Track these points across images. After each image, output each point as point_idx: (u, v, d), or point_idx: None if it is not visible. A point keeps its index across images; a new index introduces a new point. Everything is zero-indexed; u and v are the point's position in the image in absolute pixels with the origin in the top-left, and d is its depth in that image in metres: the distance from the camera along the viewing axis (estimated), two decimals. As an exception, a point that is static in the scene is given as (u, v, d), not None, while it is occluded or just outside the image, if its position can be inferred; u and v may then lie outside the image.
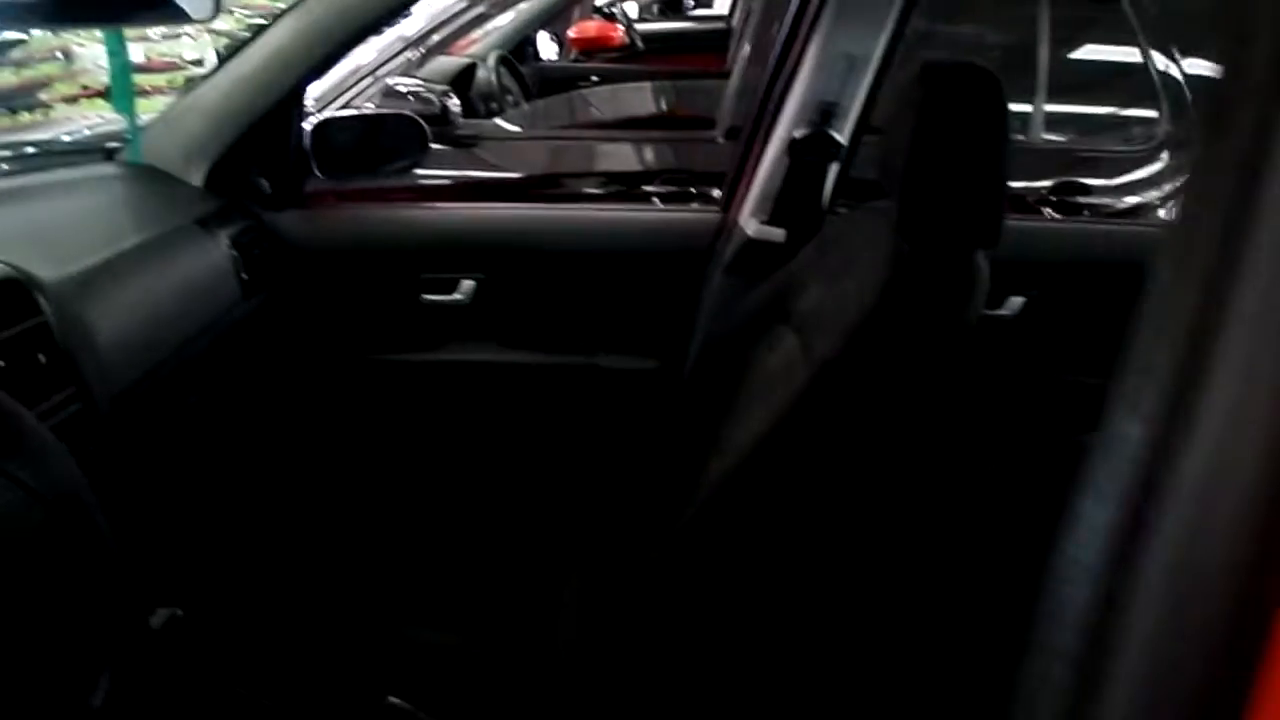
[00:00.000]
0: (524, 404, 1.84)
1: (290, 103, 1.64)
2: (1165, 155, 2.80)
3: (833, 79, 1.63)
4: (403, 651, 1.26)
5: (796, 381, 1.20)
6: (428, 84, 2.78)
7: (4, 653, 0.75)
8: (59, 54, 5.27)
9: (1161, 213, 2.72)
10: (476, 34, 3.52)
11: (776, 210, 1.70)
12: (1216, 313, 0.40)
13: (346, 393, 1.89)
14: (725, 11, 5.44)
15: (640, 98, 3.46)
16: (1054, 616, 0.44)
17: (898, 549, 1.04)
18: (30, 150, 2.46)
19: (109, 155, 1.68)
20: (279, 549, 1.72)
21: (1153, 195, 2.75)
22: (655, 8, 6.45)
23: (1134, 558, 0.41)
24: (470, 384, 1.84)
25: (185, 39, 5.24)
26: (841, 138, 1.64)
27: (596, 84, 4.07)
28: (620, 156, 2.77)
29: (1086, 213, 2.58)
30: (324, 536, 1.50)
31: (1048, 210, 2.51)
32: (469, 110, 2.98)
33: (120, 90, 1.40)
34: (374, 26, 1.62)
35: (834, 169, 1.67)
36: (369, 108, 2.55)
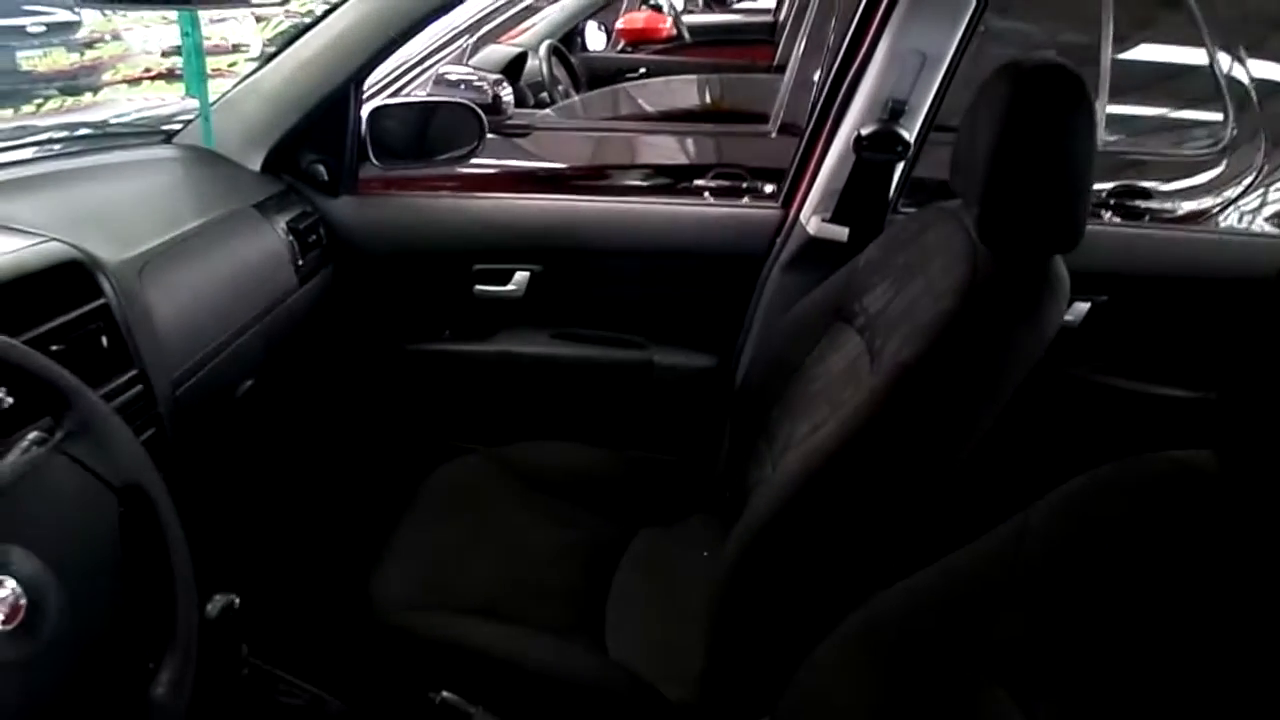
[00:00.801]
0: (576, 399, 1.83)
1: (349, 89, 1.63)
2: (1228, 159, 2.74)
3: (904, 76, 1.59)
4: (456, 646, 1.24)
5: (865, 383, 1.17)
6: (480, 72, 2.76)
7: (70, 641, 0.74)
8: (108, 37, 5.34)
9: (1223, 218, 2.66)
10: (526, 23, 3.51)
11: (840, 208, 1.67)
12: None
13: (397, 382, 1.89)
14: (771, 4, 5.39)
15: (692, 91, 3.43)
16: None
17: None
18: (89, 131, 2.49)
19: (168, 138, 1.68)
20: (328, 538, 1.71)
21: (1214, 200, 2.69)
22: (701, 0, 6.42)
23: None
24: (522, 377, 1.82)
25: (231, 22, 5.28)
26: (909, 136, 1.60)
27: (644, 75, 4.05)
28: (673, 150, 2.74)
29: (1147, 217, 2.52)
30: (371, 526, 1.49)
31: (1107, 214, 2.45)
32: (519, 99, 2.96)
33: (193, 73, 1.39)
34: (434, 15, 1.60)
35: (900, 168, 1.63)
36: (420, 95, 2.54)
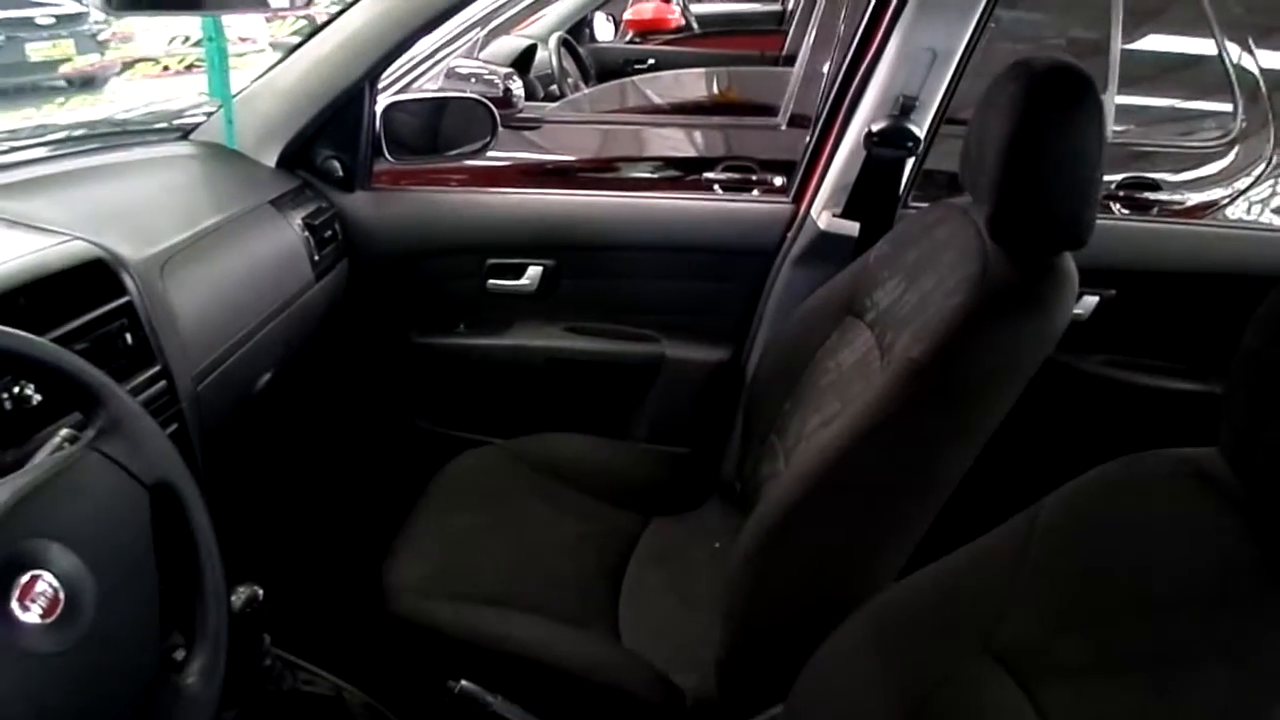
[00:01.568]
0: (589, 392, 1.85)
1: (364, 86, 1.65)
2: (1237, 150, 2.74)
3: (914, 72, 1.60)
4: (471, 635, 1.27)
5: (875, 378, 1.19)
6: (490, 66, 2.78)
7: (105, 633, 0.76)
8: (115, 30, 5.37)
9: (1232, 210, 2.66)
10: (535, 15, 3.51)
11: (850, 203, 1.68)
12: None
13: (412, 375, 1.91)
14: (779, -7, 5.39)
15: (701, 84, 3.44)
16: None
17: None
18: (107, 129, 2.51)
19: (184, 134, 1.70)
20: (345, 529, 1.74)
21: (1224, 192, 2.70)
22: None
23: None
24: (535, 370, 1.84)
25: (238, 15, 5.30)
26: (920, 132, 1.62)
27: (653, 66, 4.05)
28: (683, 142, 2.75)
29: (1156, 209, 2.53)
30: (387, 517, 1.51)
31: (1116, 206, 2.46)
32: (528, 92, 2.97)
33: (217, 77, 1.41)
34: (448, 13, 1.62)
35: (911, 163, 1.64)
36: (432, 89, 2.55)
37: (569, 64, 3.53)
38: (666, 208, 1.83)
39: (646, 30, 4.72)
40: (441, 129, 1.80)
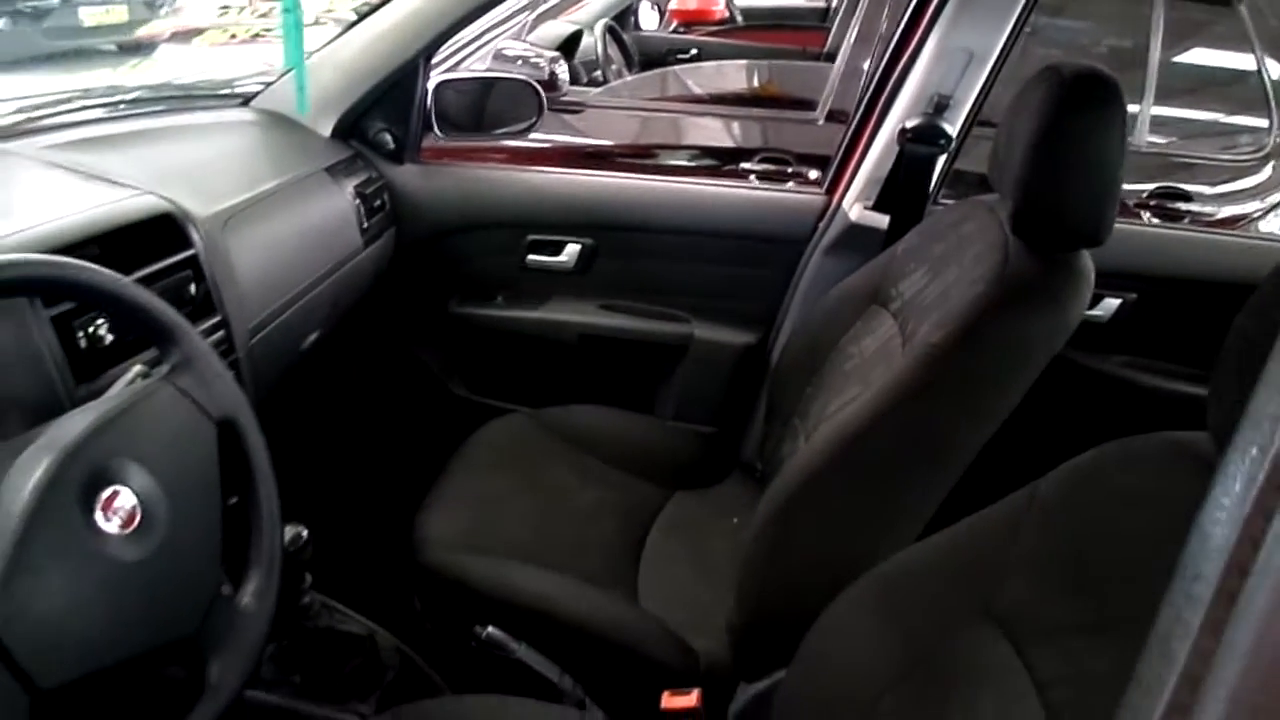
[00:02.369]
0: (619, 368, 1.91)
1: (419, 63, 1.71)
2: (1272, 165, 2.76)
3: (950, 72, 1.65)
4: (497, 587, 1.33)
5: (896, 362, 1.24)
6: (537, 49, 2.84)
7: (174, 550, 0.83)
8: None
9: (1263, 224, 2.68)
10: (582, 1, 3.57)
11: (882, 197, 1.73)
12: None
13: (450, 343, 1.98)
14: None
15: (742, 76, 3.49)
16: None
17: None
18: (172, 93, 2.59)
19: (245, 101, 1.77)
20: (380, 486, 1.81)
21: (1257, 205, 2.71)
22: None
23: None
24: (569, 344, 1.91)
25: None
26: (952, 130, 1.66)
27: (695, 56, 4.10)
28: (721, 133, 2.80)
29: (1187, 219, 2.55)
30: (420, 476, 1.58)
31: (1147, 215, 2.49)
32: (573, 77, 3.03)
33: (292, 47, 1.48)
34: (503, -4, 1.68)
35: (942, 160, 1.69)
36: (481, 70, 2.62)
37: (613, 51, 3.58)
38: (703, 194, 1.88)
39: (691, 21, 4.77)
40: (489, 108, 1.87)
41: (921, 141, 1.66)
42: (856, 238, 1.73)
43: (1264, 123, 2.74)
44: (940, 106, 1.66)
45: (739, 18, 4.96)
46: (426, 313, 1.95)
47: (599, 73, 3.36)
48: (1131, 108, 2.74)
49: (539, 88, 1.86)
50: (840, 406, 1.36)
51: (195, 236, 1.22)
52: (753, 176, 2.19)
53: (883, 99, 1.75)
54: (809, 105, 2.75)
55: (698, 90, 3.27)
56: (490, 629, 1.23)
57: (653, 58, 3.98)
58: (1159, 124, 2.84)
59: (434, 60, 1.79)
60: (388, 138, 1.81)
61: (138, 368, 0.98)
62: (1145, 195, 2.59)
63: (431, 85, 1.78)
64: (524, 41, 2.94)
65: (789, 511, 1.18)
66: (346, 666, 1.26)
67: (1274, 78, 2.76)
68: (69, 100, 1.60)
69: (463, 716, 1.08)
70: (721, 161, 2.60)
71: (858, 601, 0.99)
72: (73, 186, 1.18)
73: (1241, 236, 2.33)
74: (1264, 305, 0.70)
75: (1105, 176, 1.11)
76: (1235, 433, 0.39)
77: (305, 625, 1.25)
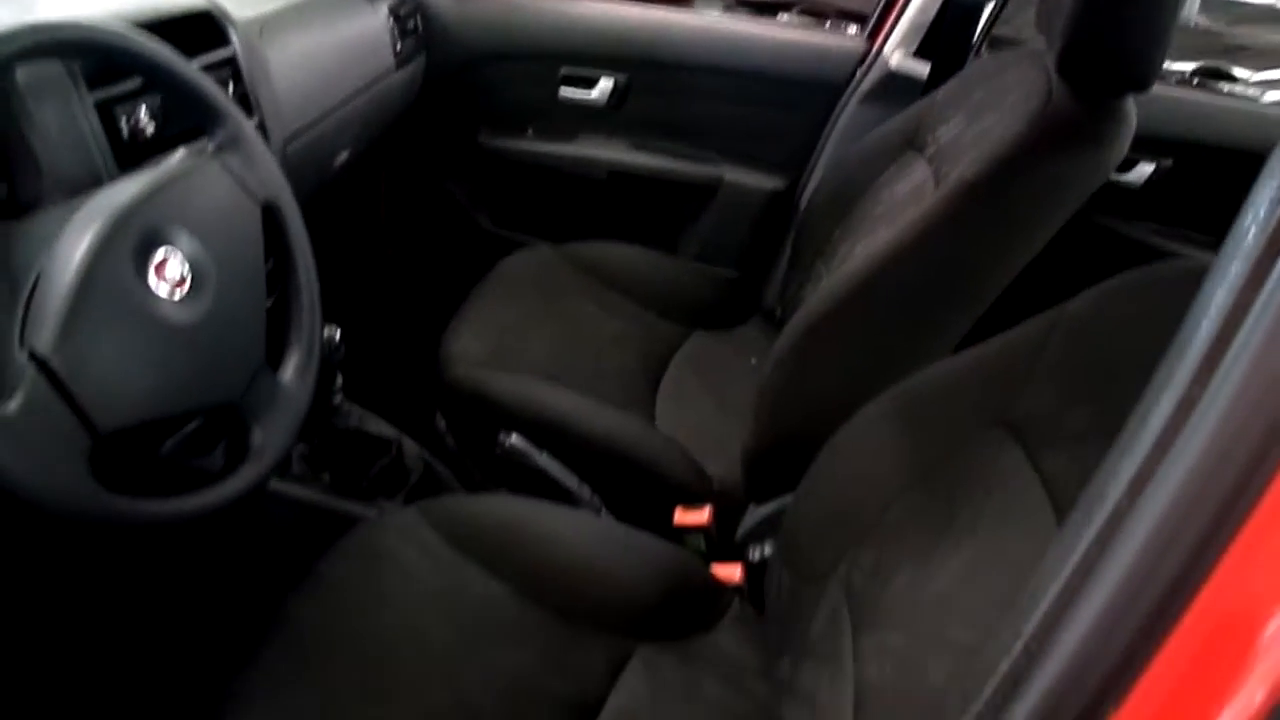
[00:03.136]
0: (646, 207, 1.91)
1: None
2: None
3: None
4: (521, 403, 1.37)
5: (927, 202, 1.25)
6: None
7: (221, 319, 0.86)
8: None
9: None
10: None
11: (924, 44, 1.70)
12: None
13: (477, 173, 1.97)
14: None
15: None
16: None
17: None
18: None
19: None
20: (406, 307, 1.84)
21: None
22: None
23: None
24: (597, 180, 1.90)
25: None
26: (1003, -25, 1.62)
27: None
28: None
29: (1229, 100, 2.49)
30: (445, 302, 1.61)
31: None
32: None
33: None
34: None
35: (990, 7, 1.65)
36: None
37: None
38: (742, 34, 1.85)
39: None
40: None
41: (970, -14, 1.62)
42: (895, 86, 1.70)
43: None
44: (992, -50, 1.62)
45: None
46: (455, 144, 1.94)
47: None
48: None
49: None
50: (867, 249, 1.37)
51: (234, 37, 1.21)
52: (791, 18, 2.14)
53: (933, -59, 1.70)
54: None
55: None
56: (514, 437, 1.28)
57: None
58: (1210, 5, 2.75)
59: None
60: None
61: (181, 152, 0.99)
62: (1188, 73, 2.52)
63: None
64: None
65: (811, 338, 1.20)
66: (373, 467, 1.31)
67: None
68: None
69: (485, 512, 1.13)
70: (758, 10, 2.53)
71: (874, 416, 1.02)
72: None
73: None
74: None
75: (1157, 17, 1.09)
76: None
77: (335, 425, 1.29)
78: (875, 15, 1.81)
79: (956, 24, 1.65)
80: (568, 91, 1.88)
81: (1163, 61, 1.11)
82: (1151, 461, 0.47)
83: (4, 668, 1.19)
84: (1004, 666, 0.49)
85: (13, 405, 0.70)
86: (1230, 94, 2.52)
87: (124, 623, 1.29)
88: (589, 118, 1.90)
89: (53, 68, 0.88)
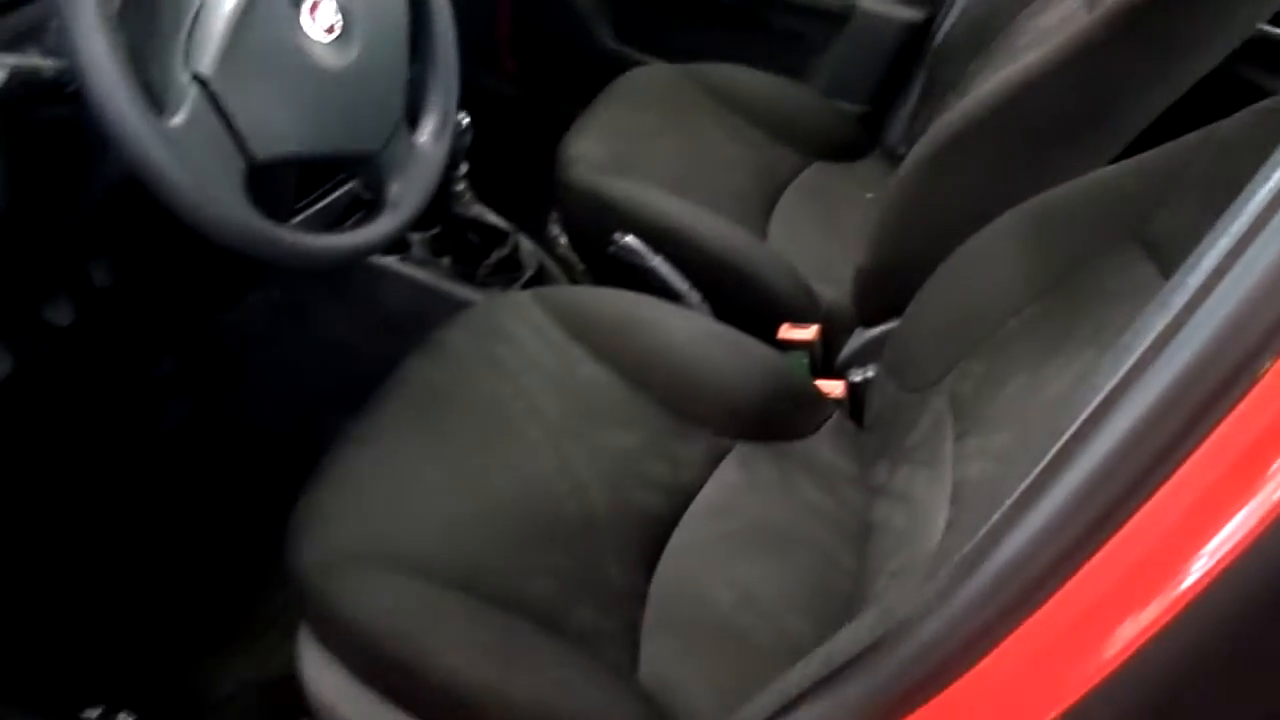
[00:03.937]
0: (771, 30, 1.85)
1: None
2: None
3: None
4: (638, 208, 1.38)
5: (1080, 23, 1.19)
6: None
7: (367, 69, 0.88)
8: None
9: None
10: None
11: None
12: None
13: None
14: None
15: None
16: None
17: None
18: None
19: None
20: (524, 110, 1.83)
21: None
22: None
23: None
24: (724, 3, 1.84)
25: None
26: None
27: None
28: None
29: None
30: (565, 109, 1.60)
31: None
32: None
33: None
34: None
35: None
36: None
37: None
38: None
39: None
40: None
41: None
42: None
43: None
44: None
45: None
46: None
47: None
48: None
49: None
50: (1008, 74, 1.32)
51: None
52: None
53: None
54: None
55: None
56: (629, 237, 1.29)
57: None
58: None
59: None
60: None
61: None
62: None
63: None
64: None
65: (938, 159, 1.17)
66: (490, 256, 1.34)
67: None
68: None
69: (597, 301, 1.15)
70: None
71: (1001, 230, 1.00)
72: None
73: None
74: None
75: None
76: None
77: (456, 212, 1.32)
78: None
79: None
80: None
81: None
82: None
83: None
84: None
85: (177, 119, 0.73)
86: None
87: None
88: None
89: None
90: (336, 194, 1.32)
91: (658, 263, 1.29)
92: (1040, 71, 1.12)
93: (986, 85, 1.21)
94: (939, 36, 1.70)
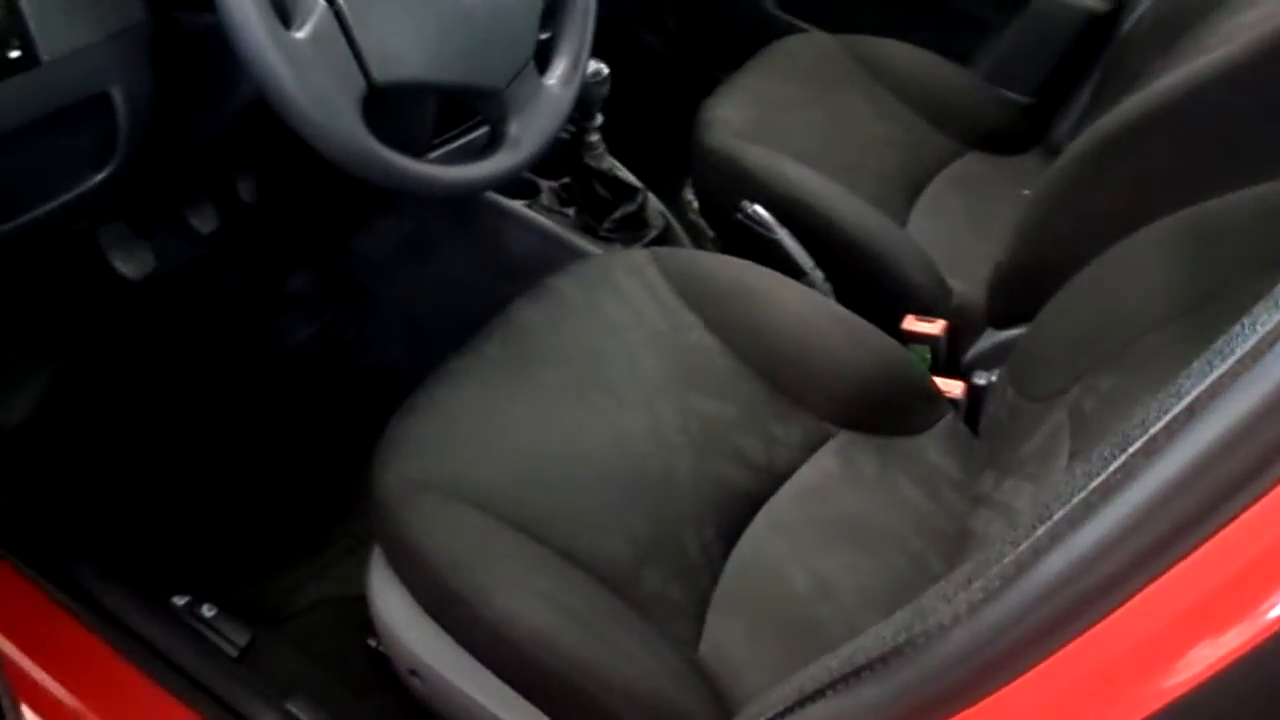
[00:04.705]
0: (939, 9, 1.76)
1: None
2: None
3: None
4: (773, 178, 1.34)
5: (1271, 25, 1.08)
6: None
7: (492, 10, 0.87)
8: None
9: None
10: None
11: None
12: None
13: None
14: None
15: None
16: None
17: None
18: None
19: None
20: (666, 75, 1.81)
21: None
22: None
23: None
24: None
25: None
26: None
27: None
28: None
29: None
30: (708, 75, 1.57)
31: None
32: None
33: None
34: None
35: None
36: None
37: None
38: None
39: None
40: None
41: None
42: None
43: None
44: None
45: None
46: None
47: None
48: None
49: None
50: (1189, 70, 1.21)
51: None
52: None
53: None
54: None
55: None
56: (757, 206, 1.26)
57: None
58: None
59: None
60: None
61: None
62: None
63: None
64: None
65: (1097, 156, 1.09)
66: (616, 211, 1.33)
67: None
68: None
69: (715, 268, 1.12)
70: None
71: (1148, 241, 0.92)
72: None
73: None
74: None
75: None
76: None
77: (587, 163, 1.31)
78: None
79: None
80: None
81: None
82: None
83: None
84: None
85: (301, 33, 0.74)
86: None
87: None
88: None
89: None
90: (476, 133, 1.33)
91: (784, 235, 1.25)
92: (1219, 71, 1.02)
93: (1159, 83, 1.12)
94: (1123, 29, 1.58)
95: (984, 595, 0.45)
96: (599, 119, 1.29)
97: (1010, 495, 0.93)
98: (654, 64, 1.94)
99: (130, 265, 1.25)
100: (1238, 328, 0.43)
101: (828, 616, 0.93)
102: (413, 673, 0.88)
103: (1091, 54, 1.64)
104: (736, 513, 0.98)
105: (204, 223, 1.33)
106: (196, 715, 0.96)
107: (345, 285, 1.51)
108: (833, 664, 0.54)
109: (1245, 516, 0.39)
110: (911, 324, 1.26)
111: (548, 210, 1.33)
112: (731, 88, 1.50)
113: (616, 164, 1.37)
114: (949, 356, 1.28)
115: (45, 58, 0.82)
